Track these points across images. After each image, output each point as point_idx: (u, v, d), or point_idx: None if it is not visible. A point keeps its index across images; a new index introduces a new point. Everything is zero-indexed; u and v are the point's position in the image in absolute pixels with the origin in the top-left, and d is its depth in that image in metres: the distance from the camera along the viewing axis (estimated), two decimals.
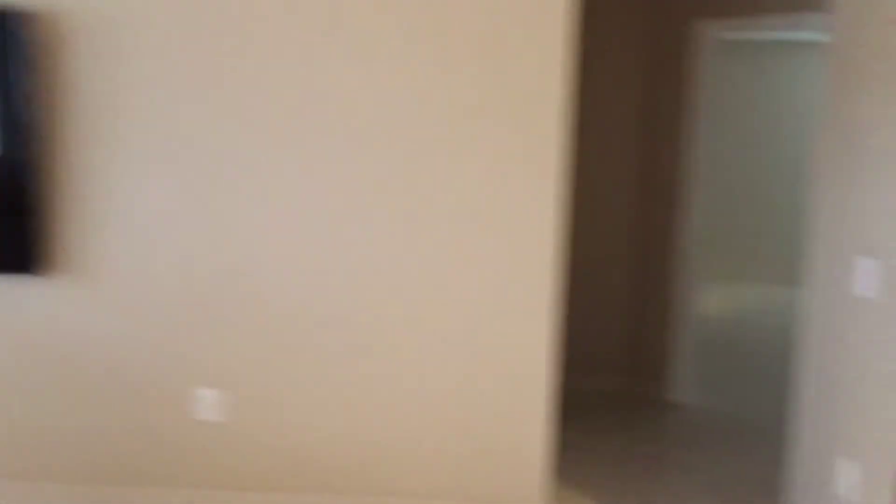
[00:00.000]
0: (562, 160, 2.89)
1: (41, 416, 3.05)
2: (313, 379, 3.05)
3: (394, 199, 2.96)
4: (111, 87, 2.93)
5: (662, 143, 4.77)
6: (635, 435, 4.22)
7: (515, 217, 2.94)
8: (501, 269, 2.96)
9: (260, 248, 2.99)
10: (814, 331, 2.96)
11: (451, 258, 2.97)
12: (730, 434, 4.30)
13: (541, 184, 2.92)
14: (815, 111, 8.33)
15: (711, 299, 7.75)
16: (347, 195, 2.96)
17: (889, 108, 2.63)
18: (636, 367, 4.94)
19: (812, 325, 2.97)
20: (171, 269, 3.00)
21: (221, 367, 3.04)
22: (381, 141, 2.94)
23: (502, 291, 2.97)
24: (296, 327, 3.02)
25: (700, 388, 4.92)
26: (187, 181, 2.96)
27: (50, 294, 3.00)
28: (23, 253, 2.91)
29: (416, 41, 2.88)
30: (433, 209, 2.95)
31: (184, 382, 3.05)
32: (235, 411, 3.06)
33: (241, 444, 3.07)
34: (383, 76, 2.90)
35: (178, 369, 3.04)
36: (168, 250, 2.99)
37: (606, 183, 4.86)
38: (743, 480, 3.67)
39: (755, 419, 4.54)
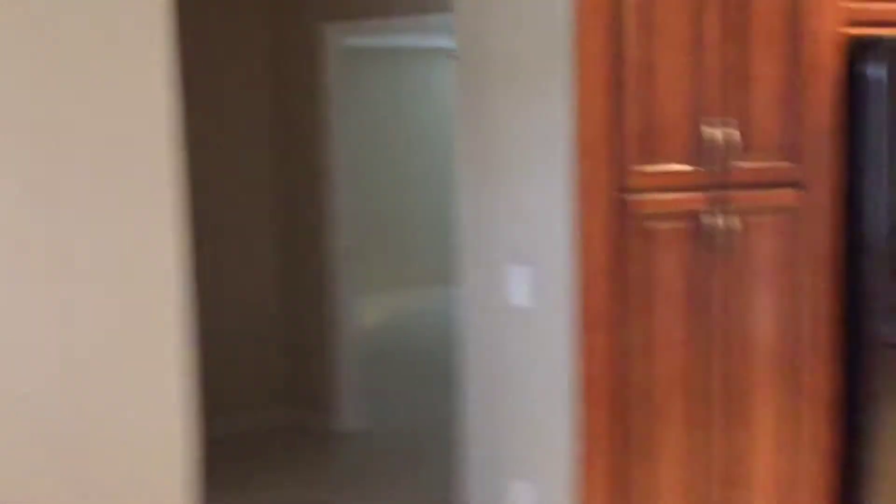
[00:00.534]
0: (176, 183, 2.36)
1: None
2: None
3: None
4: None
5: (298, 155, 4.42)
6: (300, 478, 3.80)
7: (124, 255, 2.33)
8: (110, 317, 2.32)
9: None
10: (472, 343, 2.77)
11: (42, 315, 2.27)
12: (404, 459, 4.05)
13: (152, 211, 2.33)
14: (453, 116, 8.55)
15: (370, 311, 7.63)
16: None
17: (519, 110, 2.51)
18: (297, 397, 4.53)
19: (469, 337, 2.78)
20: None
21: None
22: None
23: (114, 345, 2.32)
24: None
25: (368, 412, 4.61)
26: None
27: None
28: None
29: None
30: (11, 258, 2.23)
31: None
32: None
33: None
34: None
35: None
36: None
37: (241, 202, 4.40)
38: None
39: (430, 439, 4.35)
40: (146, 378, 2.33)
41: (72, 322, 2.24)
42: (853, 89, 2.56)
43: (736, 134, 2.43)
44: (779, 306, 2.54)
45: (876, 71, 2.52)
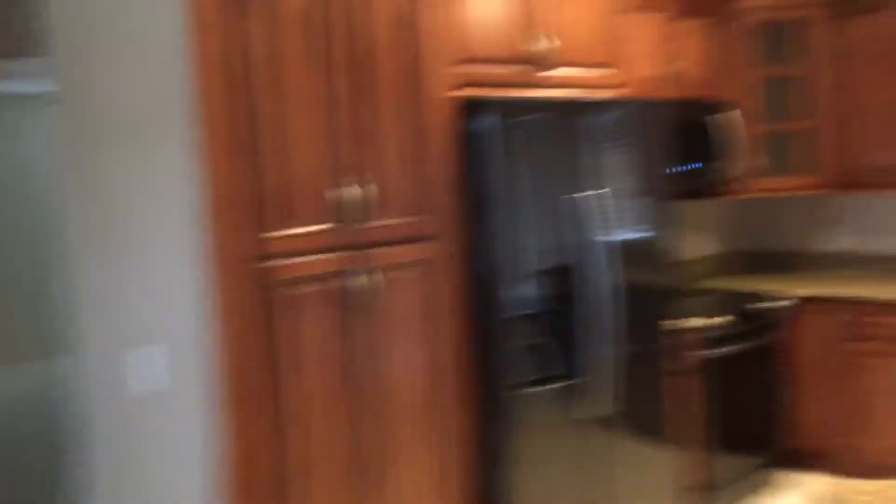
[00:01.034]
0: None
1: None
2: None
3: None
4: None
5: None
6: None
7: None
8: None
9: None
10: (96, 433, 2.41)
11: None
12: None
13: None
14: (55, 171, 7.58)
15: None
16: None
17: (138, 172, 2.25)
18: None
19: (93, 426, 2.42)
20: None
21: None
22: None
23: None
24: None
25: None
26: None
27: None
28: None
29: None
30: None
31: None
32: None
33: None
34: None
35: None
36: None
37: None
38: None
39: None
40: None
41: None
42: (470, 145, 2.70)
43: (371, 192, 2.42)
44: (423, 358, 2.58)
45: (485, 126, 2.68)
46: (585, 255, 2.86)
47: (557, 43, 3.04)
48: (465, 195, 2.70)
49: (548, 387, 2.82)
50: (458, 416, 2.68)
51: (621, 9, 3.44)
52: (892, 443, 3.95)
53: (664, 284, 3.21)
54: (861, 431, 4.04)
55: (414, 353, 2.56)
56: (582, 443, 2.91)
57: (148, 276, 2.26)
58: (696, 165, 3.97)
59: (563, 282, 2.86)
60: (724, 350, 3.72)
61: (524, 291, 2.76)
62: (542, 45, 3.00)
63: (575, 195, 2.86)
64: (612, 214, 2.90)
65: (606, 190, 2.90)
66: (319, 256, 2.34)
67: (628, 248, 3.01)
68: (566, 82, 3.12)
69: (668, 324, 3.24)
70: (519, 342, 2.76)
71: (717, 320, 3.69)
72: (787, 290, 4.15)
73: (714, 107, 4.10)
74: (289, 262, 2.27)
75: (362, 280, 2.41)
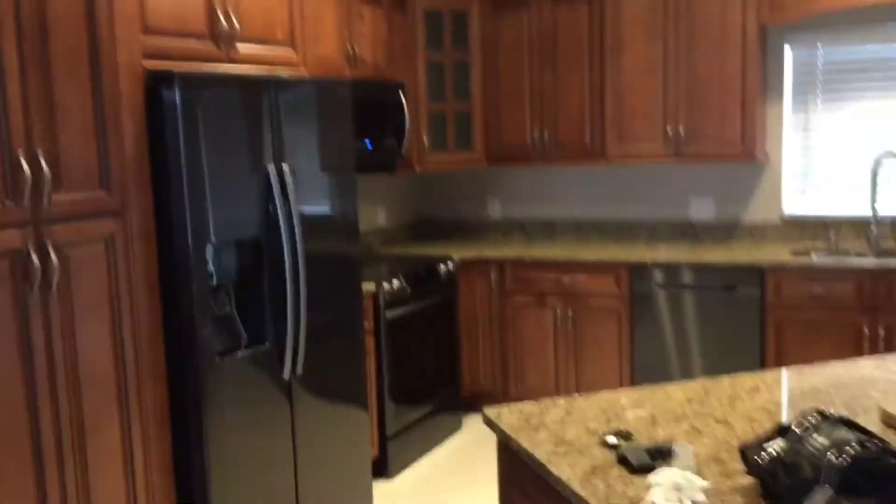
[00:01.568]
0: None
1: None
2: None
3: None
4: None
5: None
6: None
7: None
8: None
9: None
10: None
11: None
12: None
13: None
14: None
15: None
16: None
17: None
18: None
19: None
20: None
21: None
22: None
23: None
24: None
25: None
26: None
27: None
28: None
29: None
30: None
31: None
32: None
33: None
34: None
35: None
36: None
37: None
38: None
39: None
40: None
41: None
42: (155, 117, 2.70)
43: (45, 166, 2.34)
44: (110, 333, 2.56)
45: (171, 98, 2.70)
46: (271, 228, 3.01)
47: (237, 20, 3.12)
48: (153, 169, 2.70)
49: (239, 354, 2.93)
50: (153, 387, 2.70)
51: None
52: (535, 382, 4.62)
53: (345, 253, 3.46)
54: (514, 374, 4.67)
55: (102, 329, 2.53)
56: (273, 406, 3.07)
57: None
58: (370, 142, 4.27)
59: (250, 253, 2.98)
60: (400, 311, 4.09)
61: (214, 264, 2.84)
62: (223, 20, 3.06)
63: (259, 169, 2.98)
64: (294, 188, 3.06)
65: (287, 165, 3.06)
66: None
67: (310, 220, 3.21)
68: (249, 59, 3.21)
69: (350, 290, 3.50)
70: (211, 313, 2.83)
71: (393, 284, 4.04)
72: (452, 254, 4.64)
73: (387, 87, 4.43)
74: None
75: (38, 258, 2.33)
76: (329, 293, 3.33)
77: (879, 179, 4.24)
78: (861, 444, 1.43)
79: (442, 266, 4.48)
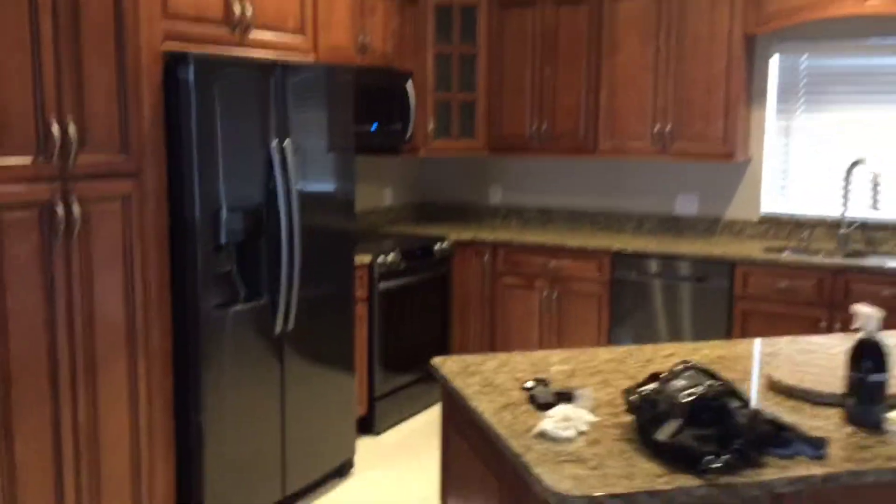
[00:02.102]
0: None
1: None
2: None
3: None
4: None
5: None
6: None
7: None
8: None
9: None
10: None
11: None
12: None
13: None
14: None
15: None
16: None
17: None
18: None
19: None
20: None
21: None
22: None
23: None
24: None
25: None
26: None
27: None
28: None
29: None
30: None
31: None
32: None
33: None
34: None
35: None
36: None
37: None
38: None
39: None
40: None
41: None
42: (172, 93, 3.06)
43: (73, 129, 2.70)
44: (122, 282, 2.93)
45: (186, 77, 3.06)
46: (272, 197, 3.36)
47: (251, 8, 3.47)
48: (169, 139, 3.06)
49: (237, 307, 3.29)
50: (158, 332, 3.07)
51: None
52: None
53: (340, 225, 3.80)
54: (501, 348, 5.00)
55: (116, 277, 2.90)
56: (264, 356, 3.43)
57: None
58: (377, 126, 4.61)
59: (253, 219, 3.34)
60: (393, 283, 4.44)
61: (219, 226, 3.19)
62: (237, 8, 3.41)
63: (264, 144, 3.33)
64: (294, 163, 3.42)
65: (290, 143, 3.41)
66: (25, 186, 2.60)
67: (309, 193, 3.56)
68: (262, 44, 3.56)
69: (343, 260, 3.85)
70: (214, 270, 3.20)
71: (388, 258, 4.39)
72: (449, 235, 4.97)
73: (395, 76, 4.76)
74: None
75: (63, 210, 2.70)
76: (323, 261, 3.68)
77: (851, 184, 4.49)
78: (707, 386, 1.75)
79: (437, 245, 4.82)
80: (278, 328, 3.44)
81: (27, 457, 2.66)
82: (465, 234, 5.07)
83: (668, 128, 4.72)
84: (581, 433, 1.86)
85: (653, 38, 4.71)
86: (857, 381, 1.92)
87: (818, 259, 4.29)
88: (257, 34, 3.53)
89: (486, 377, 2.27)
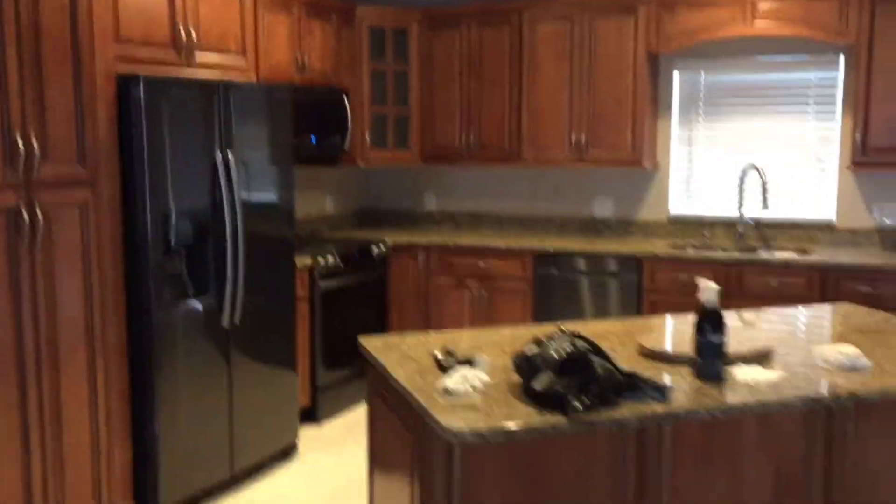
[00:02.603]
0: None
1: None
2: None
3: None
4: None
5: None
6: None
7: None
8: None
9: None
10: None
11: None
12: None
13: None
14: None
15: None
16: None
17: None
18: None
19: None
20: None
21: None
22: None
23: None
24: None
25: None
26: None
27: None
28: None
29: None
30: None
31: None
32: None
33: None
34: None
35: None
36: None
37: None
38: None
39: None
40: None
41: None
42: (125, 110, 3.39)
43: (35, 144, 3.02)
44: (81, 281, 3.25)
45: (137, 96, 3.39)
46: (217, 205, 3.71)
47: (195, 34, 3.82)
48: (122, 151, 3.39)
49: (187, 303, 3.63)
50: (115, 326, 3.39)
51: (254, 7, 4.30)
52: None
53: (280, 230, 4.16)
54: None
55: (76, 276, 3.22)
56: (213, 348, 3.77)
57: None
58: (316, 139, 4.98)
59: (200, 224, 3.68)
60: (333, 283, 4.80)
61: (168, 231, 3.53)
62: (183, 33, 3.76)
63: (209, 156, 3.68)
64: (237, 173, 3.77)
65: (233, 155, 3.76)
66: None
67: (251, 200, 3.91)
68: (207, 65, 3.91)
69: (283, 262, 4.21)
70: (164, 269, 3.53)
71: (328, 259, 4.75)
72: (386, 239, 5.35)
73: (333, 92, 5.14)
74: None
75: (27, 217, 3.02)
76: (265, 263, 4.03)
77: (745, 187, 5.00)
78: (574, 346, 2.16)
79: (374, 248, 5.20)
80: (225, 323, 3.78)
81: None
82: (402, 238, 5.46)
83: (584, 138, 5.18)
84: (475, 389, 2.26)
85: (567, 57, 5.17)
86: (700, 342, 2.36)
87: (714, 254, 4.78)
88: (202, 56, 3.89)
89: (403, 351, 2.65)
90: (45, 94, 3.06)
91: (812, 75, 4.96)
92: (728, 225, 5.16)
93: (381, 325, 5.30)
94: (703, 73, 5.20)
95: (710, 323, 2.35)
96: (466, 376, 2.29)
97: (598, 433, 2.13)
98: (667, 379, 2.34)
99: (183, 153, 3.57)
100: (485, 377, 2.33)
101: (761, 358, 2.57)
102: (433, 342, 2.76)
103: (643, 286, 4.82)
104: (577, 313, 5.00)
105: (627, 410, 2.12)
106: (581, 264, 4.99)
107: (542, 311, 5.08)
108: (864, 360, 2.49)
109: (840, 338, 2.90)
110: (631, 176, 5.40)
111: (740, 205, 5.02)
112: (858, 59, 4.56)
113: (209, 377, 3.76)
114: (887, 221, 4.83)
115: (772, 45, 4.92)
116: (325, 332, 4.75)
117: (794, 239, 5.03)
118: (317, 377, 4.72)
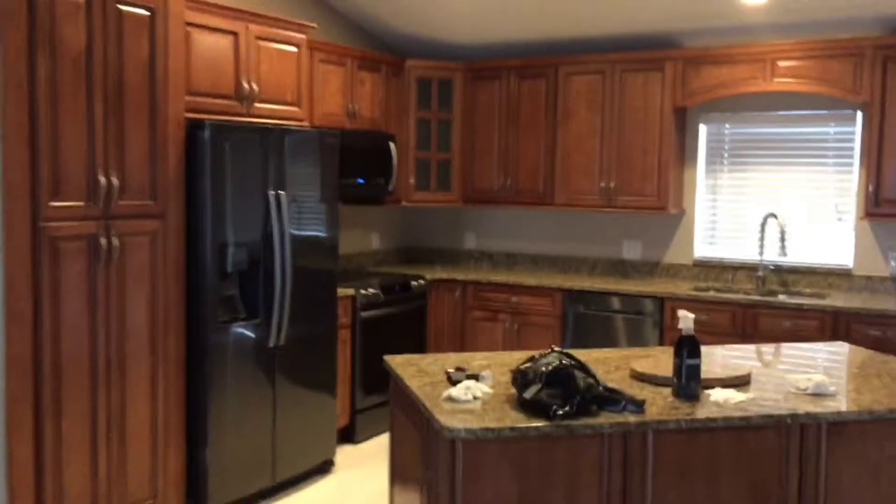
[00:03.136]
0: None
1: None
2: None
3: None
4: None
5: None
6: None
7: None
8: None
9: None
10: None
11: None
12: None
13: None
14: None
15: None
16: None
17: None
18: None
19: None
20: None
21: None
22: None
23: None
24: None
25: None
26: None
27: None
28: None
29: None
30: None
31: None
32: None
33: None
34: None
35: None
36: None
37: None
38: None
39: None
40: None
41: None
42: (192, 152, 3.88)
43: (115, 181, 3.51)
44: (148, 299, 3.71)
45: (203, 140, 3.88)
46: (269, 237, 4.16)
47: (256, 86, 4.32)
48: (188, 188, 3.87)
49: (238, 324, 4.06)
50: (175, 341, 3.84)
51: (310, 63, 4.79)
52: None
53: (324, 263, 4.59)
54: None
55: (144, 296, 3.68)
56: (260, 365, 4.19)
57: None
58: (364, 180, 5.43)
59: (253, 253, 4.12)
60: (373, 313, 5.20)
61: (225, 258, 3.98)
62: (245, 86, 4.25)
63: (264, 194, 4.14)
64: (287, 209, 4.22)
65: (283, 192, 4.22)
66: (79, 223, 3.40)
67: (299, 235, 4.35)
68: (264, 114, 4.40)
69: (326, 292, 4.63)
70: (220, 293, 3.98)
71: (369, 291, 5.16)
72: (426, 274, 5.75)
73: (381, 137, 5.60)
74: (58, 224, 3.31)
75: (106, 242, 3.50)
76: (309, 291, 4.45)
77: (765, 233, 5.27)
78: (561, 363, 2.50)
79: (414, 282, 5.59)
80: (272, 342, 4.20)
81: (71, 432, 3.41)
82: (441, 274, 5.85)
83: (613, 184, 5.53)
84: (477, 398, 2.61)
85: (599, 108, 5.55)
86: (678, 365, 2.68)
87: (731, 295, 5.04)
88: (261, 106, 4.38)
89: (421, 367, 3.03)
90: (124, 139, 3.55)
91: (831, 129, 5.23)
92: (750, 269, 5.41)
93: (419, 353, 5.65)
94: (727, 126, 5.51)
95: (686, 348, 2.67)
96: (470, 387, 2.65)
97: (584, 438, 2.46)
98: (648, 396, 2.66)
99: (241, 190, 4.03)
100: (487, 389, 2.68)
101: (738, 383, 2.86)
102: (449, 361, 3.12)
103: (664, 324, 5.10)
104: (601, 346, 5.28)
105: (604, 418, 2.44)
106: (606, 302, 5.30)
107: (569, 344, 5.38)
108: (830, 387, 2.77)
109: (825, 370, 3.16)
110: (658, 220, 5.72)
111: (761, 251, 5.28)
112: (872, 115, 4.83)
113: (256, 394, 4.17)
114: None
115: (793, 100, 5.21)
116: (365, 358, 5.13)
117: (813, 284, 5.26)
118: (356, 400, 5.11)
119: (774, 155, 5.40)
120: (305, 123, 4.74)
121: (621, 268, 5.87)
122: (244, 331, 4.10)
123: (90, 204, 3.45)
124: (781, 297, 5.03)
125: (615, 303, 5.28)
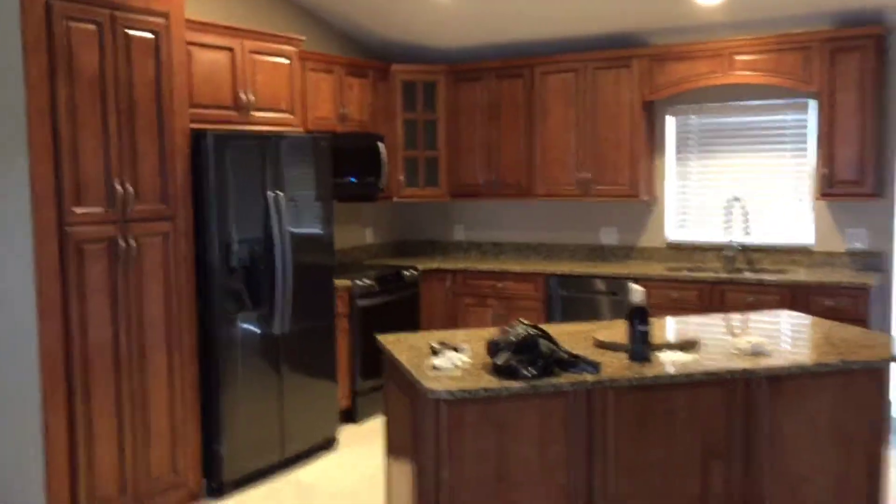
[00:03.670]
0: None
1: None
2: None
3: None
4: None
5: None
6: None
7: None
8: None
9: None
10: None
11: None
12: None
13: None
14: None
15: None
16: None
17: None
18: None
19: None
20: None
21: None
22: None
23: None
24: None
25: None
26: None
27: None
28: None
29: None
30: None
31: None
32: None
33: None
34: None
35: None
36: None
37: None
38: None
39: None
40: None
41: None
42: (196, 160, 4.26)
43: (130, 188, 3.90)
44: (163, 294, 4.10)
45: (206, 148, 4.26)
46: (269, 235, 4.55)
47: (253, 97, 4.70)
48: (195, 192, 4.26)
49: (245, 314, 4.46)
50: (188, 331, 4.23)
51: (302, 72, 5.18)
52: None
53: (320, 256, 4.98)
54: None
55: (159, 290, 4.07)
56: (267, 350, 4.58)
57: None
58: (355, 179, 5.82)
59: (255, 250, 4.51)
60: (369, 301, 5.59)
61: (230, 255, 4.37)
62: (243, 97, 4.64)
63: (263, 195, 4.53)
64: (285, 208, 4.61)
65: (281, 192, 4.61)
66: (99, 227, 3.79)
67: (297, 232, 4.74)
68: (261, 121, 4.78)
69: (326, 283, 5.02)
70: (227, 286, 4.37)
71: (364, 281, 5.55)
72: (419, 265, 6.14)
73: (370, 138, 5.98)
74: (81, 228, 3.70)
75: (124, 243, 3.89)
76: (309, 284, 4.84)
77: (731, 216, 5.66)
78: (528, 333, 2.89)
79: (406, 272, 5.98)
80: (276, 330, 4.60)
81: (100, 414, 3.81)
82: (432, 264, 6.24)
83: (589, 175, 5.92)
84: (457, 366, 3.00)
85: (573, 104, 5.94)
86: (631, 331, 3.07)
87: (700, 274, 5.44)
88: (258, 114, 4.76)
89: (410, 343, 3.42)
90: (137, 150, 3.94)
91: (788, 117, 5.62)
92: (718, 250, 5.81)
93: None
94: (692, 117, 5.90)
95: (637, 317, 3.06)
96: (451, 357, 3.04)
97: (550, 396, 2.85)
98: (606, 360, 3.05)
99: (242, 192, 4.42)
100: (466, 359, 3.08)
101: (686, 346, 3.26)
102: (434, 338, 3.51)
103: None
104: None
105: (565, 378, 2.84)
106: (587, 285, 5.70)
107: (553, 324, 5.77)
108: (766, 348, 3.16)
109: (768, 335, 3.56)
110: (632, 207, 6.11)
111: (727, 232, 5.68)
112: (822, 103, 5.22)
113: (263, 377, 4.57)
114: (857, 245, 5.43)
115: (751, 91, 5.59)
116: (363, 344, 5.53)
117: (777, 262, 5.65)
118: (356, 383, 5.50)
119: (737, 143, 5.79)
120: (299, 128, 5.12)
121: (600, 252, 6.27)
122: (250, 322, 4.49)
123: (109, 209, 3.83)
124: (746, 275, 5.42)
125: (595, 285, 5.68)
